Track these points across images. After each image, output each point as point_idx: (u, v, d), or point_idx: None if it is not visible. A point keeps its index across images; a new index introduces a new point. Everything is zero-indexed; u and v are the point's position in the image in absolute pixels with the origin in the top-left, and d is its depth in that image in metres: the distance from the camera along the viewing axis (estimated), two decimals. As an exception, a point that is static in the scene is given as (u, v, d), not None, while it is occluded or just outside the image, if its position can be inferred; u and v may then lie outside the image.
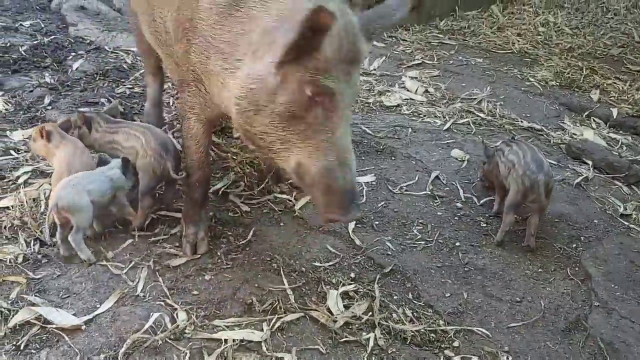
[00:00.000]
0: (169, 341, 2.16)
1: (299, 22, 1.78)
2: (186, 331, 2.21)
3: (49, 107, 3.78)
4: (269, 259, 2.67)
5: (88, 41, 5.00)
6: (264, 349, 2.18)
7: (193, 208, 2.66)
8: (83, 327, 2.17)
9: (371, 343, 2.27)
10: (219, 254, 2.65)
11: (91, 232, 2.63)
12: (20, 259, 2.48)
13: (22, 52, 4.58)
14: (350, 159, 2.02)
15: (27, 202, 2.79)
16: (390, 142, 3.84)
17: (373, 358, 2.23)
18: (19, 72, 4.29)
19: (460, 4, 6.67)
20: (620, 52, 6.07)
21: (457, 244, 2.96)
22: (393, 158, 3.68)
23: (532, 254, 2.93)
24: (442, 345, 2.32)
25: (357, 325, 2.36)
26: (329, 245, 2.82)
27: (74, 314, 2.23)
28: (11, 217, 2.70)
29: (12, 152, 3.26)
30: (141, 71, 4.39)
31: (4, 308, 2.21)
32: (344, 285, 2.56)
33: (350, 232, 2.93)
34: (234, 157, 3.42)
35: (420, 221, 3.10)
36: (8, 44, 4.70)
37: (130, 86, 4.26)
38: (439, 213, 3.19)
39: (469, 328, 2.43)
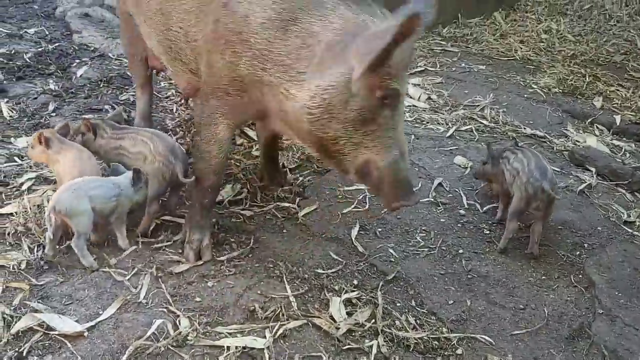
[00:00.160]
0: (172, 348, 2.15)
1: (391, 29, 1.88)
2: (189, 338, 2.20)
3: (53, 114, 3.80)
4: (271, 265, 2.67)
5: (92, 48, 5.02)
6: (267, 356, 2.17)
7: (200, 213, 2.66)
8: (85, 334, 2.17)
9: (374, 350, 2.26)
10: (221, 260, 2.65)
11: (94, 238, 2.62)
12: (23, 265, 2.48)
13: (27, 59, 4.61)
14: (406, 149, 2.26)
15: (30, 208, 2.80)
16: (393, 149, 3.83)
17: (376, 365, 2.22)
18: (24, 79, 4.31)
19: (463, 11, 6.68)
20: (623, 59, 6.07)
21: (460, 251, 2.95)
22: (396, 165, 3.67)
23: (536, 261, 2.92)
24: (446, 353, 2.31)
25: (360, 332, 2.35)
26: (332, 252, 2.82)
27: (77, 321, 2.23)
28: (15, 223, 2.71)
29: (16, 158, 3.27)
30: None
31: (7, 314, 2.21)
32: (346, 292, 2.55)
33: (353, 239, 2.93)
34: (237, 164, 3.43)
35: (423, 228, 3.09)
36: (13, 51, 4.73)
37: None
38: (442, 220, 3.19)
39: (472, 335, 2.42)
